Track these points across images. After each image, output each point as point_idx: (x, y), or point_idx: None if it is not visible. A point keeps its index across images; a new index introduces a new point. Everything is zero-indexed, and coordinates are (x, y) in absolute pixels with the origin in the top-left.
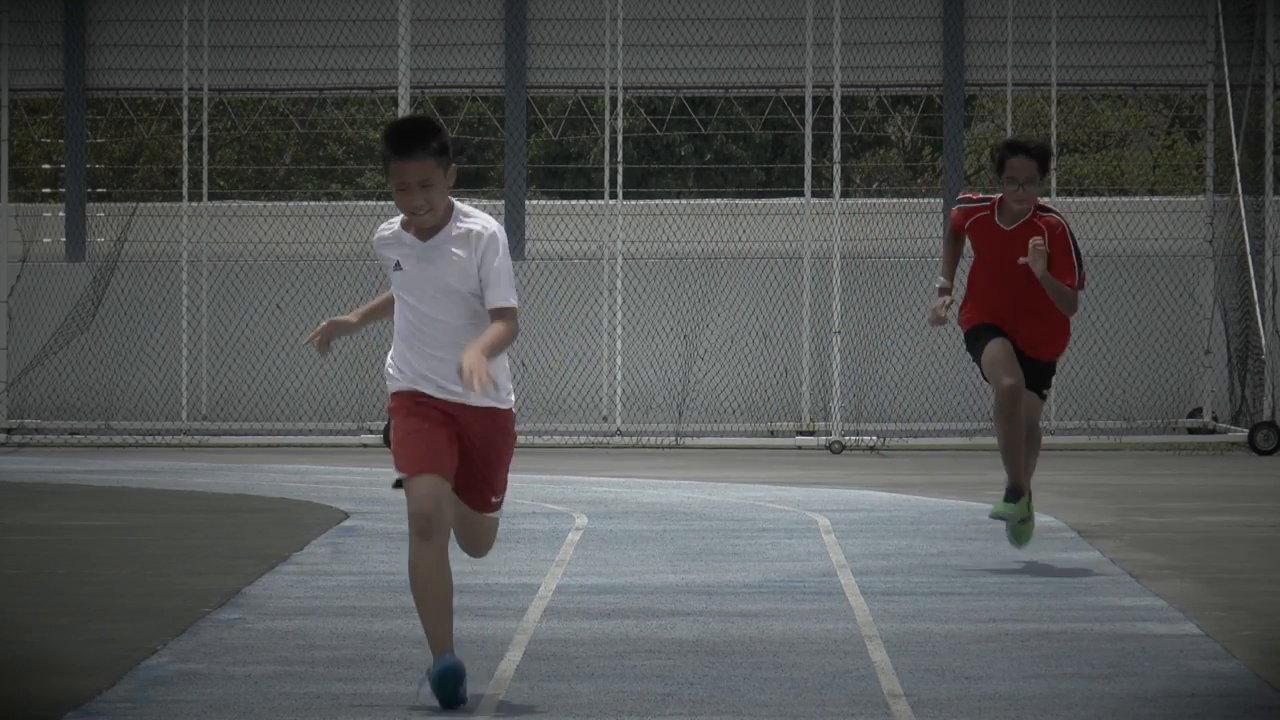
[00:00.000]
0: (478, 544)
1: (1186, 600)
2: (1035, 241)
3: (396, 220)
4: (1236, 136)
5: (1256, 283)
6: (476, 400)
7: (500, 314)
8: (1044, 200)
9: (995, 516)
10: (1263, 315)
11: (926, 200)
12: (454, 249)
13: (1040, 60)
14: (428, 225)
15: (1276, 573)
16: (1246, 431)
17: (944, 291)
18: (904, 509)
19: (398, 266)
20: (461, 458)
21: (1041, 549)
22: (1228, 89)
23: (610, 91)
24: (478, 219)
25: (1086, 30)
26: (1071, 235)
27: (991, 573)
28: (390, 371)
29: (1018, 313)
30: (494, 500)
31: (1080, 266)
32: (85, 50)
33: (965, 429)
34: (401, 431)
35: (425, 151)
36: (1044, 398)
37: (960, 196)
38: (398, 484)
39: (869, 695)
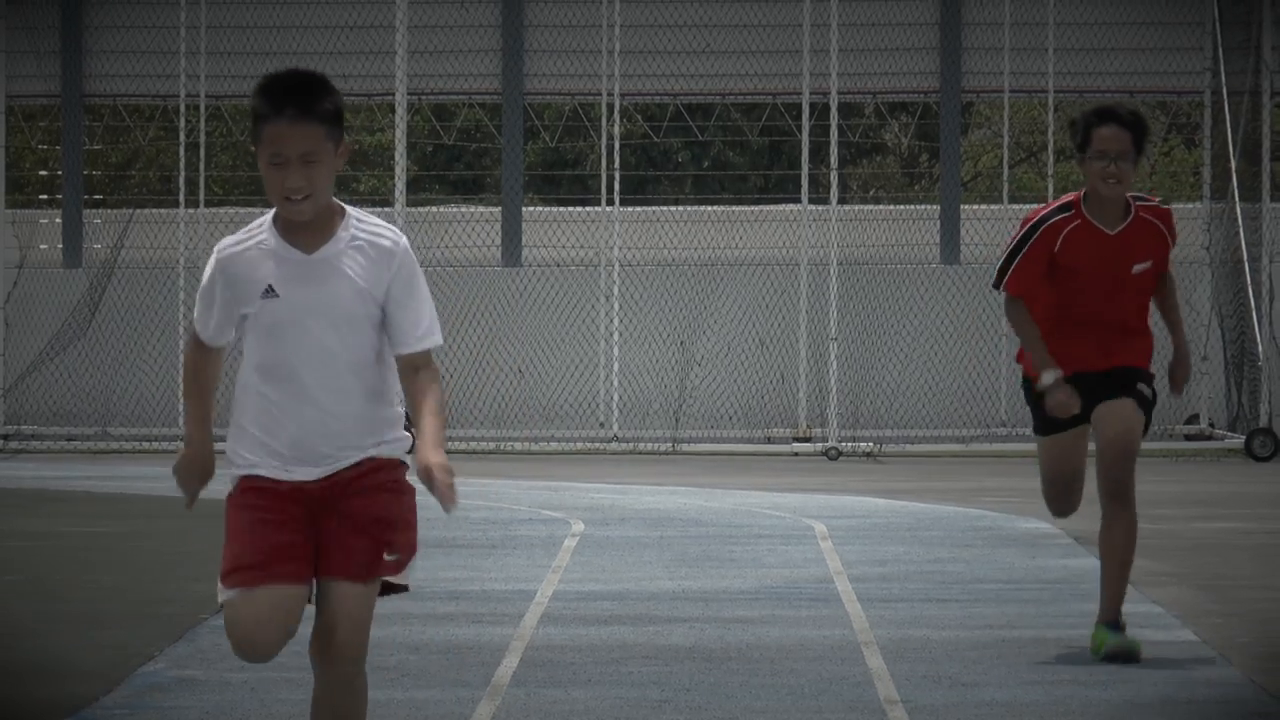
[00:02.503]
0: (338, 637)
1: (1183, 607)
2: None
3: (251, 231)
4: (1233, 143)
5: (1253, 289)
6: (334, 465)
7: (423, 361)
8: (1067, 196)
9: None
10: (1259, 322)
11: (923, 207)
12: (353, 263)
13: (1037, 67)
14: (304, 221)
15: (1273, 579)
16: (1243, 438)
17: (1059, 381)
18: (900, 515)
19: (269, 292)
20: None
21: (1038, 555)
22: (1225, 96)
23: (607, 98)
24: (383, 229)
25: (1083, 37)
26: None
27: (988, 579)
28: (231, 456)
29: (1112, 336)
30: (387, 558)
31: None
32: (82, 57)
33: (962, 435)
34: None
35: (312, 115)
36: (1145, 398)
37: (1026, 221)
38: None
39: (865, 702)
